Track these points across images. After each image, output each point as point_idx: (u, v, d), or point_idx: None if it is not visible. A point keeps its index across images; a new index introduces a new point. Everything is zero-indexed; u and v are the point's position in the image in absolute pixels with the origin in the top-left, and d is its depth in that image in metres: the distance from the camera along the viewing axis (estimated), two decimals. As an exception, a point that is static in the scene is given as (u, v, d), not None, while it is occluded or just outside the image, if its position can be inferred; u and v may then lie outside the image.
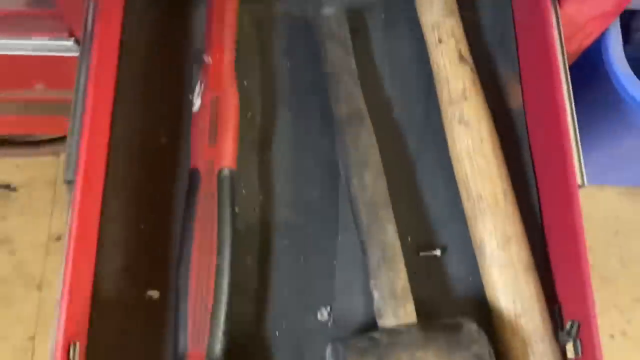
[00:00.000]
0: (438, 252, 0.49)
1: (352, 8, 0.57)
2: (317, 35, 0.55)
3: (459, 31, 0.54)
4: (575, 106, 0.56)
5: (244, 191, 0.50)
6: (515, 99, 0.54)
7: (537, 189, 0.51)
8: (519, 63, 0.55)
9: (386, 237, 0.47)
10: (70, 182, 0.46)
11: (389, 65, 0.56)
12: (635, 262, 1.03)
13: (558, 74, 0.49)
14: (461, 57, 0.52)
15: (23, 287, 0.97)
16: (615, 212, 1.06)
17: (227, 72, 0.50)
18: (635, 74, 0.64)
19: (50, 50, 0.61)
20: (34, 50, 0.61)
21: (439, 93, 0.53)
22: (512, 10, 0.57)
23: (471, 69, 0.52)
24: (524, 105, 0.54)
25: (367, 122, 0.50)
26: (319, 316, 0.48)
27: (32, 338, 0.95)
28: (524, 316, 0.45)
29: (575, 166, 0.47)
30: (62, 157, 1.04)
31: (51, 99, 0.78)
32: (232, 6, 0.53)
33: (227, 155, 0.48)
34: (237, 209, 0.48)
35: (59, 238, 1.00)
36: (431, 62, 0.54)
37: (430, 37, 0.54)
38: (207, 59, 0.51)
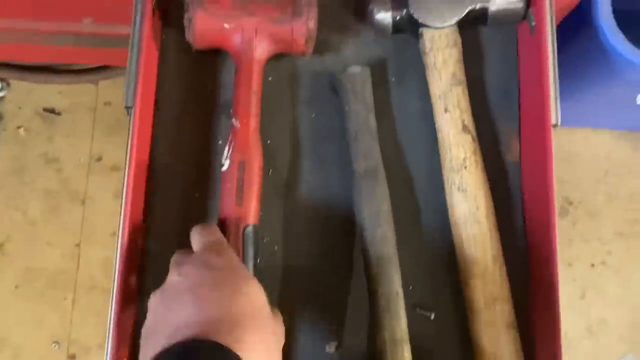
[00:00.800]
0: (431, 316, 0.57)
1: (372, 65, 0.62)
2: (341, 91, 0.60)
3: (465, 101, 0.60)
4: (568, 55, 0.63)
5: (265, 239, 0.58)
6: (513, 153, 0.61)
7: (527, 248, 0.59)
8: (519, 115, 0.62)
9: (391, 288, 0.55)
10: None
11: (400, 121, 0.62)
12: (620, 198, 1.14)
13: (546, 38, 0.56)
14: (464, 127, 0.59)
15: (69, 201, 1.11)
16: (607, 153, 1.15)
17: (253, 137, 0.56)
18: (622, 24, 0.71)
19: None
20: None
21: (442, 158, 0.59)
22: (518, 61, 0.63)
23: (472, 139, 0.58)
24: (520, 157, 0.61)
25: (382, 177, 0.58)
26: (327, 349, 0.57)
27: (78, 245, 1.09)
28: None
29: (551, 107, 0.56)
30: (100, 85, 1.15)
31: (96, 32, 0.87)
32: (258, 74, 0.58)
33: (252, 214, 0.54)
34: (258, 260, 0.55)
35: (99, 159, 1.12)
36: (436, 128, 0.60)
37: (437, 105, 0.60)
38: (235, 122, 0.56)
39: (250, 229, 0.54)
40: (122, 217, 0.55)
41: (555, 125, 0.58)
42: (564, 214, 1.13)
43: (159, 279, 0.48)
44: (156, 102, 0.61)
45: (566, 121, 1.13)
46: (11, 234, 1.09)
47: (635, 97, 0.86)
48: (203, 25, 0.57)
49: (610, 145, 1.15)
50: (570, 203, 1.13)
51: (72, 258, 1.09)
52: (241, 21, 0.57)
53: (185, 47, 0.61)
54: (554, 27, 0.59)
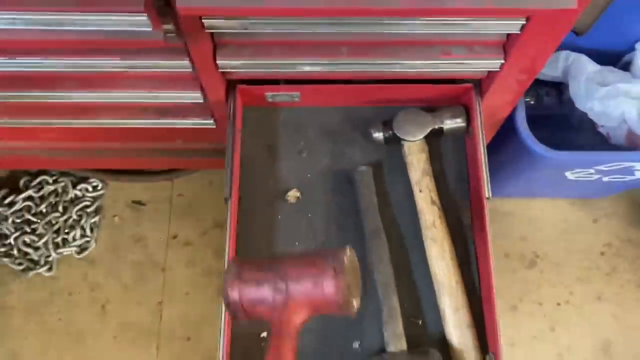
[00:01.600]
0: (419, 322, 0.89)
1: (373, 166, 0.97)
2: (353, 182, 0.94)
3: (432, 185, 0.93)
4: (502, 151, 0.98)
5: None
6: (466, 217, 0.94)
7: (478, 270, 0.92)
8: (469, 192, 0.96)
9: (392, 303, 0.87)
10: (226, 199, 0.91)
11: (394, 198, 0.96)
12: (576, 251, 1.44)
13: (479, 142, 0.92)
14: (432, 201, 0.91)
15: (152, 270, 1.44)
16: (563, 216, 1.47)
17: None
18: (541, 126, 1.06)
19: (196, 125, 1.07)
20: (186, 125, 1.07)
21: (420, 221, 0.91)
22: (466, 155, 0.98)
23: (438, 208, 0.91)
24: (471, 219, 0.94)
25: (383, 235, 0.90)
26: (354, 345, 0.87)
27: (160, 303, 1.41)
28: (469, 357, 0.85)
29: (483, 186, 0.90)
30: (175, 181, 1.52)
31: (183, 148, 1.25)
32: (293, 339, 0.59)
33: None
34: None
35: (175, 237, 1.47)
36: (415, 202, 0.92)
37: (415, 188, 0.93)
38: None
39: None
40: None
41: (488, 198, 0.92)
42: (533, 265, 1.43)
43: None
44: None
45: (524, 194, 1.53)
46: (110, 296, 1.41)
47: (565, 175, 1.20)
48: (237, 297, 0.59)
49: (564, 210, 1.47)
50: (538, 256, 1.44)
51: (156, 314, 1.40)
52: (271, 288, 0.59)
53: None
54: (484, 135, 0.94)
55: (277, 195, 0.96)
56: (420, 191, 0.94)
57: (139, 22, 0.64)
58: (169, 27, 0.73)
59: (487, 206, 0.91)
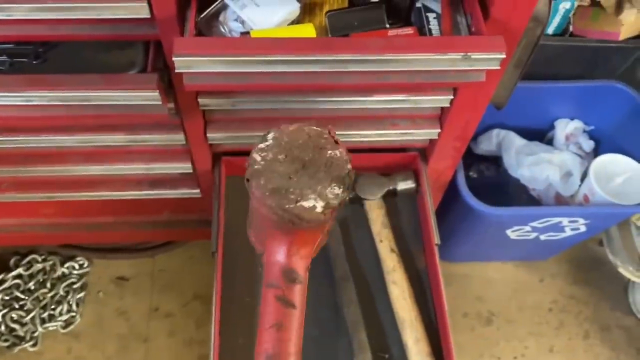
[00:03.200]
0: (387, 356, 1.01)
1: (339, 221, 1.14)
2: None
3: (390, 235, 1.07)
4: (450, 214, 1.16)
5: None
6: (421, 262, 1.09)
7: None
8: (423, 242, 1.12)
9: (360, 339, 0.98)
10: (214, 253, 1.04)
11: (359, 248, 1.09)
12: (528, 308, 1.58)
13: (428, 211, 1.10)
14: (392, 250, 1.05)
15: (135, 341, 1.50)
16: (513, 277, 1.63)
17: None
18: (485, 196, 1.25)
19: (184, 195, 1.22)
20: (175, 195, 1.22)
21: (382, 266, 1.04)
22: (419, 214, 1.15)
23: (397, 255, 1.05)
24: (425, 263, 1.09)
25: (350, 279, 1.04)
26: None
27: (142, 374, 1.47)
28: None
29: (432, 235, 1.06)
30: (157, 257, 1.63)
31: (169, 219, 1.38)
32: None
33: None
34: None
35: (156, 309, 1.55)
36: (377, 251, 1.06)
37: (376, 239, 1.07)
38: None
39: None
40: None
41: (437, 245, 1.08)
42: (490, 323, 1.57)
43: None
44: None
45: (478, 258, 1.70)
46: (93, 369, 1.47)
47: (506, 233, 1.37)
48: None
49: (513, 271, 1.63)
50: (493, 314, 1.58)
51: (137, 384, 1.46)
52: None
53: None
54: (431, 194, 1.11)
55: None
56: (381, 241, 1.09)
57: (151, 97, 0.81)
58: (171, 105, 0.91)
59: (437, 252, 1.06)
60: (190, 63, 0.71)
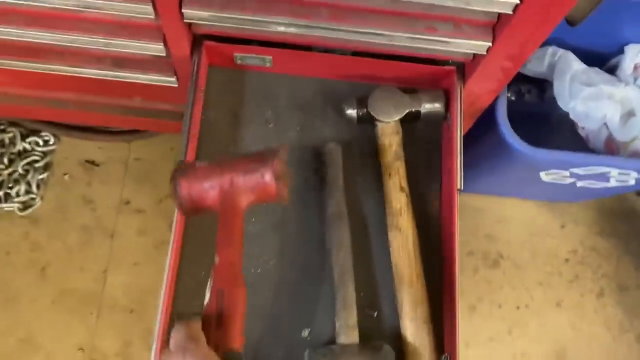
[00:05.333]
0: (375, 314, 0.83)
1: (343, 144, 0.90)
2: (321, 158, 0.88)
3: (402, 170, 0.86)
4: (487, 143, 0.93)
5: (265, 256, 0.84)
6: (434, 206, 0.89)
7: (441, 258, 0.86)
8: (441, 181, 0.90)
9: (347, 292, 0.80)
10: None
11: (362, 180, 0.89)
12: (541, 255, 1.41)
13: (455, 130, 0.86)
14: (401, 188, 0.86)
15: (100, 235, 1.35)
16: (532, 218, 1.43)
17: (233, 271, 0.59)
18: (520, 123, 1.02)
19: (156, 82, 0.99)
20: (146, 80, 0.99)
21: (386, 207, 0.85)
22: (441, 142, 0.92)
23: (406, 196, 0.85)
24: (440, 206, 0.89)
25: (345, 219, 0.84)
26: (303, 334, 0.80)
27: (105, 272, 1.33)
28: (423, 354, 0.79)
29: (455, 177, 0.85)
30: (132, 144, 1.43)
31: (142, 107, 1.16)
32: (239, 222, 0.64)
33: (234, 340, 0.55)
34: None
35: (127, 202, 1.38)
36: (383, 187, 0.86)
37: (384, 172, 0.87)
38: (216, 259, 0.60)
39: (230, 355, 0.54)
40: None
41: (460, 190, 0.87)
42: (496, 266, 1.40)
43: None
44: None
45: (497, 191, 1.48)
46: (51, 259, 1.31)
47: (539, 175, 1.16)
48: (186, 190, 0.63)
49: (533, 212, 1.44)
50: (502, 256, 1.41)
51: (99, 282, 1.32)
52: (217, 178, 0.64)
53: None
54: (461, 124, 0.89)
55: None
56: (390, 176, 0.88)
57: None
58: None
59: (458, 199, 0.85)
60: None
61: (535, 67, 1.17)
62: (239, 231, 0.63)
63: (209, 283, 0.59)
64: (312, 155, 0.91)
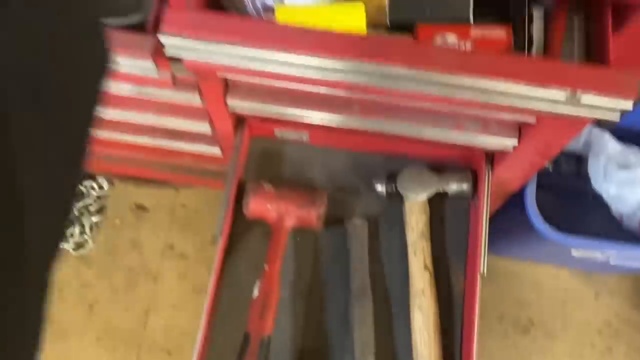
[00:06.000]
0: None
1: (370, 219, 0.95)
2: (347, 233, 0.92)
3: (427, 249, 0.89)
4: (508, 217, 0.96)
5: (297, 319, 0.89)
6: (458, 286, 0.91)
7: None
8: (466, 261, 0.92)
9: None
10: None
11: (387, 255, 0.92)
12: (573, 325, 1.40)
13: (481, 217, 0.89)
14: (425, 267, 0.88)
15: (144, 277, 1.43)
16: (565, 286, 1.43)
17: (275, 277, 0.85)
18: (554, 193, 1.03)
19: (202, 152, 1.06)
20: (193, 150, 1.06)
21: (410, 285, 0.88)
22: (468, 222, 0.94)
23: (430, 275, 0.87)
24: (463, 290, 0.91)
25: (369, 294, 0.88)
26: None
27: (147, 312, 1.41)
28: None
29: (479, 261, 0.87)
30: (180, 191, 1.51)
31: (189, 166, 1.24)
32: (284, 237, 0.88)
33: (268, 327, 0.82)
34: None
35: (171, 247, 1.46)
36: (408, 264, 0.89)
37: (410, 249, 0.90)
38: (266, 267, 0.86)
39: (265, 339, 0.82)
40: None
41: (482, 274, 0.89)
42: (527, 332, 1.40)
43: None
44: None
45: (530, 258, 1.48)
46: (99, 297, 1.40)
47: (570, 251, 1.16)
48: (255, 205, 0.90)
49: (567, 280, 1.43)
50: (532, 323, 1.40)
51: (141, 322, 1.40)
52: (277, 204, 0.90)
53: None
54: (489, 207, 0.92)
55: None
56: (415, 254, 0.92)
57: (145, 66, 0.63)
58: (180, 66, 0.72)
59: (479, 283, 0.88)
60: (182, 47, 0.52)
61: (571, 143, 1.19)
62: (283, 247, 0.88)
63: (257, 283, 0.85)
64: (340, 226, 0.96)
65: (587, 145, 1.17)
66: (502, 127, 0.81)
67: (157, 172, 1.30)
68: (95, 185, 1.48)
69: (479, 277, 0.88)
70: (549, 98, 0.51)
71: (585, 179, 1.20)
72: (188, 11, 0.53)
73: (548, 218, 1.05)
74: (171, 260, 1.45)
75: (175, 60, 0.63)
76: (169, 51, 0.53)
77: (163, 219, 1.48)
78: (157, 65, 0.62)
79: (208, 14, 0.57)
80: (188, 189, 1.51)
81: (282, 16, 0.55)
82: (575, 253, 1.15)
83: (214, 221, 1.45)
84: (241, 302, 0.89)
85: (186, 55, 0.56)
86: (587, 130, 1.16)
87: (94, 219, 1.46)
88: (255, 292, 0.85)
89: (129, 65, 0.64)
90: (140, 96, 0.86)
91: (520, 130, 0.81)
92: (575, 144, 1.18)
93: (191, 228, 1.48)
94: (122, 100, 0.92)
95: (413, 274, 0.91)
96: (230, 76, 0.75)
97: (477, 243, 0.90)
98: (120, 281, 1.42)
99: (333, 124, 0.87)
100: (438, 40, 0.58)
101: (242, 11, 0.62)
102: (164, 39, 0.51)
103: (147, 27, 0.63)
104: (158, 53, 0.62)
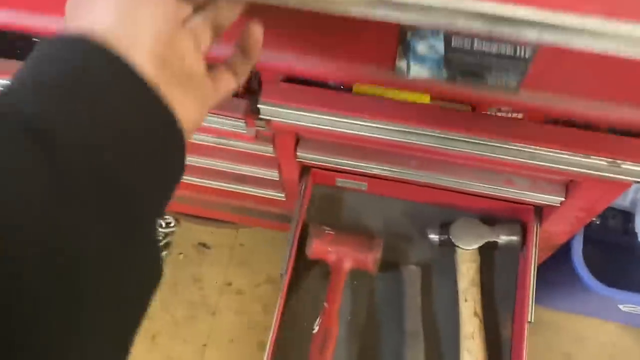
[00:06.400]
0: None
1: (422, 265, 1.03)
2: (401, 279, 0.99)
3: (478, 296, 0.95)
4: (555, 269, 1.01)
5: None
6: (505, 331, 0.96)
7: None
8: (514, 310, 0.97)
9: None
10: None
11: (439, 300, 0.99)
12: (621, 380, 1.40)
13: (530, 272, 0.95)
14: (475, 313, 0.94)
15: (203, 312, 1.53)
16: (613, 341, 1.43)
17: (334, 315, 0.93)
18: (601, 247, 1.07)
19: (268, 195, 1.16)
20: (259, 194, 1.16)
21: (460, 329, 0.93)
22: (516, 271, 1.00)
23: (480, 320, 0.93)
24: (511, 336, 0.95)
25: (421, 338, 0.94)
26: None
27: (205, 346, 1.49)
28: None
29: (526, 310, 0.92)
30: (239, 230, 1.61)
31: (251, 208, 1.34)
32: (343, 278, 0.96)
33: None
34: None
35: (229, 284, 1.56)
36: (458, 308, 0.95)
37: (460, 296, 0.96)
38: (325, 305, 0.94)
39: None
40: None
41: (530, 322, 0.94)
42: (573, 386, 1.41)
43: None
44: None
45: (576, 310, 1.51)
46: (160, 329, 1.49)
47: (618, 306, 1.19)
48: (317, 247, 0.98)
49: (613, 334, 1.44)
50: (579, 378, 1.41)
51: (199, 355, 1.48)
52: (337, 247, 0.98)
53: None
54: (536, 258, 0.97)
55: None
56: (466, 300, 0.97)
57: (236, 125, 0.73)
58: (262, 123, 0.83)
59: (527, 330, 0.93)
60: (276, 112, 0.62)
61: (618, 200, 1.23)
62: (341, 287, 0.96)
63: (318, 319, 0.94)
64: (394, 271, 1.03)
65: (634, 203, 1.21)
66: (550, 185, 0.87)
67: (220, 212, 1.41)
68: (162, 223, 1.60)
69: (526, 325, 0.93)
70: (591, 165, 0.57)
71: (633, 234, 1.24)
72: (280, 83, 0.64)
73: (595, 272, 1.09)
74: (228, 296, 1.53)
75: (261, 119, 0.74)
76: (264, 114, 0.63)
77: (223, 257, 1.58)
78: (246, 123, 0.73)
79: (295, 86, 0.67)
80: (246, 229, 1.61)
81: (357, 91, 0.65)
82: (623, 307, 1.18)
83: (269, 260, 1.56)
84: (301, 336, 0.97)
85: (276, 118, 0.66)
86: (633, 188, 1.21)
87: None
88: (316, 328, 0.93)
89: (221, 122, 0.75)
90: (221, 146, 0.96)
91: (567, 187, 0.87)
92: (622, 201, 1.22)
93: (247, 266, 1.57)
94: (204, 148, 1.03)
95: (463, 319, 0.97)
96: (303, 132, 0.85)
97: (525, 292, 0.95)
98: (181, 314, 1.52)
99: (391, 176, 0.95)
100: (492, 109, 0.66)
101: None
102: (261, 105, 0.61)
103: (239, 92, 0.74)
104: (249, 114, 0.72)
